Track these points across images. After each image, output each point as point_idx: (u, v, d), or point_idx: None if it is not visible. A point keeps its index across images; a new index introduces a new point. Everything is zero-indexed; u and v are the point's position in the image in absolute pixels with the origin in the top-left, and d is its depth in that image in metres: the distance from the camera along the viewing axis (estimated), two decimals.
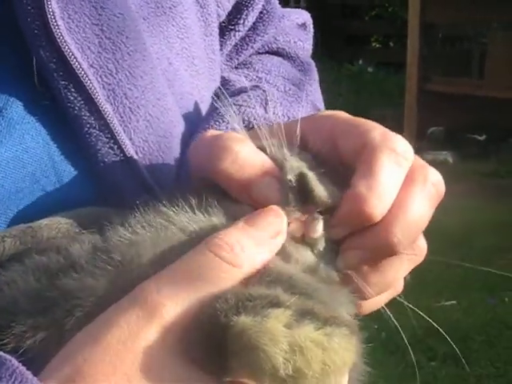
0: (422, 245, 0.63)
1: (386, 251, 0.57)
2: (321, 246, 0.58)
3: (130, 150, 0.65)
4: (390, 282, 0.61)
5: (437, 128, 6.04)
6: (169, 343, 0.48)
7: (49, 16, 0.60)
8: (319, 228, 0.57)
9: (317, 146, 0.61)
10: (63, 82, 0.61)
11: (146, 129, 0.66)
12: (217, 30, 0.83)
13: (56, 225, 0.59)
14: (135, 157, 0.65)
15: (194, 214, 0.57)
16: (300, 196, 0.57)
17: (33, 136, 0.61)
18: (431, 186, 0.58)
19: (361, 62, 8.57)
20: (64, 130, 0.63)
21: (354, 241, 0.57)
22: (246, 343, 0.46)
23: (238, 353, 0.47)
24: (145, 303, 0.49)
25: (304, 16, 0.97)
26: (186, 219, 0.56)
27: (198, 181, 0.62)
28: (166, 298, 0.49)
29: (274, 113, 0.71)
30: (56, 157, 0.63)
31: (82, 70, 0.62)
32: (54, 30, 0.60)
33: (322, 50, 8.62)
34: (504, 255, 4.11)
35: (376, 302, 0.63)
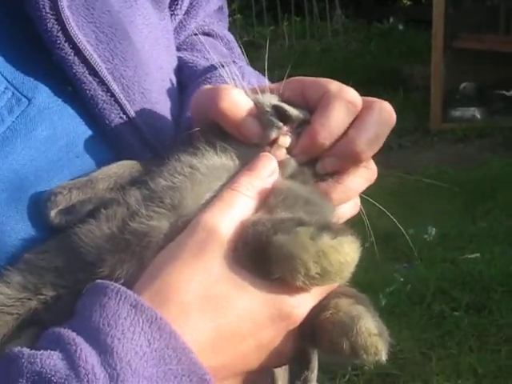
0: (374, 167, 0.79)
1: (352, 159, 0.74)
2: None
3: (135, 117, 0.82)
4: (350, 195, 0.78)
5: (468, 83, 6.02)
6: (227, 254, 0.67)
7: (65, 21, 0.75)
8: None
9: (287, 93, 0.78)
10: (80, 70, 0.77)
11: (142, 99, 0.83)
12: (168, 14, 0.99)
13: (108, 178, 0.76)
14: (138, 121, 0.82)
15: (214, 157, 0.74)
16: (279, 118, 0.74)
17: (59, 116, 0.76)
18: (384, 114, 0.75)
19: (391, 20, 8.50)
20: (81, 108, 0.79)
21: (329, 150, 0.74)
22: (285, 254, 0.64)
23: (280, 261, 0.64)
24: (204, 227, 0.67)
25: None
26: (212, 162, 0.74)
27: (200, 126, 0.78)
28: (218, 221, 0.68)
29: (249, 83, 0.87)
30: (79, 129, 0.78)
31: (94, 58, 0.78)
32: (70, 32, 0.76)
33: (352, 10, 8.57)
34: None
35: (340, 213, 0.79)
